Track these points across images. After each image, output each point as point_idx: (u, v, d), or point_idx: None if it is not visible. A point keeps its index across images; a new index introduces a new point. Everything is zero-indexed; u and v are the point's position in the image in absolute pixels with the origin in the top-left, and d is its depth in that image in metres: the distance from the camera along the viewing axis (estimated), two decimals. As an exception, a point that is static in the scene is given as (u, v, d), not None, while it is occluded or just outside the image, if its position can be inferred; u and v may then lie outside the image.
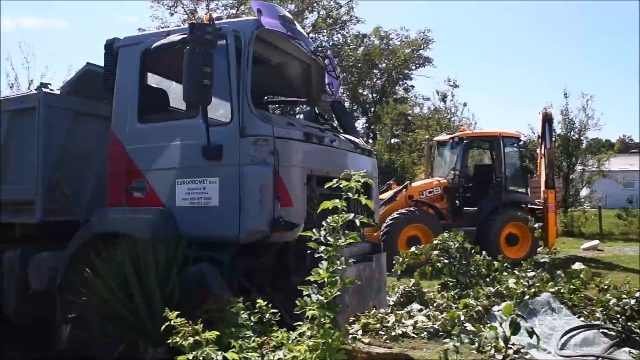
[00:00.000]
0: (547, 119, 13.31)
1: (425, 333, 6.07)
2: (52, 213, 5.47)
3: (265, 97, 6.45)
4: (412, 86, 34.94)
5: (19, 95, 6.31)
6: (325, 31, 33.36)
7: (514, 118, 59.29)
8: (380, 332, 6.11)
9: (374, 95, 34.63)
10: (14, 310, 5.54)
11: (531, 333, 2.95)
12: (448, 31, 54.40)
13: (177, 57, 4.43)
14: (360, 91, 34.43)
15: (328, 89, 6.10)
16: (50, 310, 5.10)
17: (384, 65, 33.46)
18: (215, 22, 4.50)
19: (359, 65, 32.73)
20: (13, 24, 48.46)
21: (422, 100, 33.39)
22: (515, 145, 13.49)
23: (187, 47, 4.22)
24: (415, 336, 6.06)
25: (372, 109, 33.67)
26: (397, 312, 6.63)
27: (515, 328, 2.89)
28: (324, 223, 2.80)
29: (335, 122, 6.69)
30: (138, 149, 4.94)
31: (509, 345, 3.12)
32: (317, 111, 6.27)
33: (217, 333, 2.66)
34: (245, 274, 4.48)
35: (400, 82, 34.85)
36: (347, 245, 4.88)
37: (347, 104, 34.12)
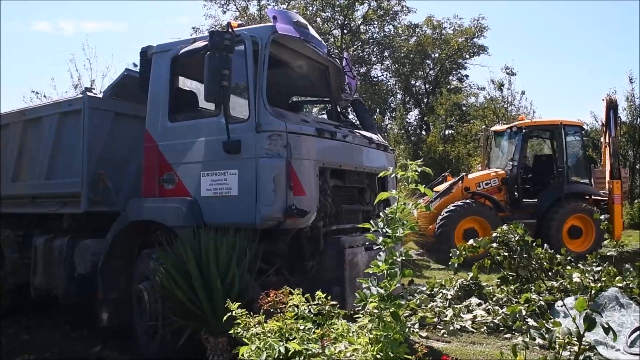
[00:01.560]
0: (612, 106, 12.70)
1: (484, 328, 5.99)
2: (95, 204, 6.01)
3: (291, 99, 6.89)
4: (467, 76, 34.02)
5: (66, 99, 6.95)
6: (376, 23, 33.04)
7: (576, 105, 56.82)
8: (438, 327, 6.09)
9: (427, 86, 34.03)
10: (62, 292, 6.16)
11: (607, 329, 2.80)
12: (503, 17, 52.66)
13: (202, 62, 4.78)
14: (413, 82, 33.91)
15: (347, 89, 6.49)
16: (93, 292, 5.68)
17: (436, 55, 32.74)
18: (236, 29, 4.97)
19: (411, 56, 32.21)
20: (74, 27, 50.59)
21: (477, 90, 32.58)
22: (577, 134, 12.93)
23: (207, 52, 4.65)
24: (475, 331, 5.99)
25: (425, 100, 33.13)
26: (455, 306, 6.56)
27: (590, 324, 2.74)
28: (381, 214, 2.77)
29: (356, 119, 7.04)
30: (168, 145, 5.42)
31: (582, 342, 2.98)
32: (338, 109, 6.65)
33: (279, 324, 2.69)
34: (264, 257, 4.78)
35: (454, 72, 34.00)
36: (362, 234, 5.46)
37: (399, 96, 33.76)
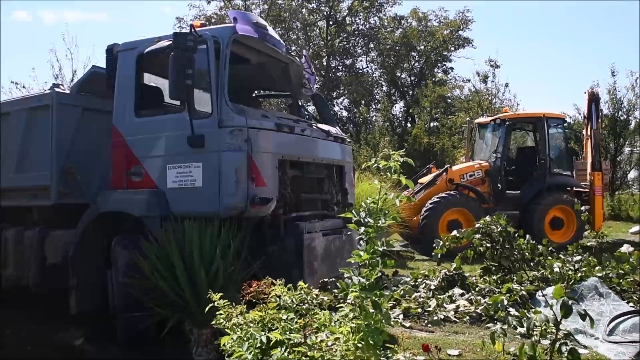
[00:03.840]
0: (594, 99, 12.85)
1: (467, 318, 6.05)
2: (65, 196, 6.22)
3: (255, 93, 7.18)
4: (452, 68, 34.09)
5: (35, 95, 7.17)
6: (361, 14, 32.96)
7: (559, 98, 57.36)
8: (422, 317, 6.14)
9: (412, 78, 34.04)
10: (33, 281, 6.36)
11: (584, 316, 2.85)
12: (488, 10, 52.88)
13: (166, 60, 5.04)
14: (398, 74, 33.93)
15: (307, 84, 6.88)
16: (64, 281, 5.90)
17: (422, 47, 32.80)
18: (198, 28, 5.23)
19: (397, 48, 32.22)
20: (55, 17, 49.76)
21: (462, 83, 32.72)
22: (560, 126, 13.06)
23: (172, 53, 4.90)
24: (457, 320, 6.05)
25: (411, 92, 33.19)
26: (439, 296, 6.62)
27: (566, 311, 2.80)
28: (363, 204, 2.80)
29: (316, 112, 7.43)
30: (135, 140, 5.69)
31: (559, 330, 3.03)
32: (299, 103, 7.02)
33: (261, 314, 2.69)
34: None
35: (439, 65, 34.08)
36: (321, 220, 5.94)
37: (384, 88, 33.75)
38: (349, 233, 6.12)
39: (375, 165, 2.73)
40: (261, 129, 5.27)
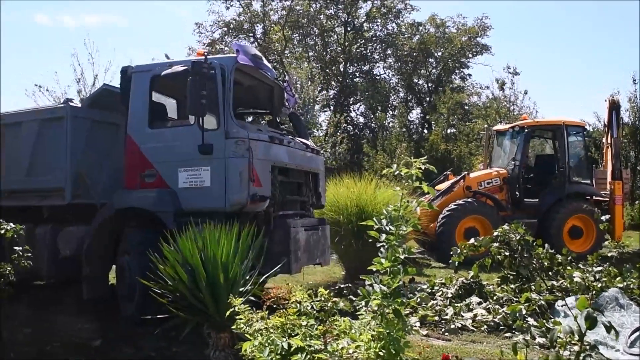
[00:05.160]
0: (614, 107, 12.69)
1: (485, 327, 6.00)
2: (76, 197, 7.09)
3: (239, 109, 8.08)
4: (469, 75, 34.00)
5: (49, 107, 8.13)
6: (379, 20, 32.98)
7: (579, 106, 56.67)
8: (439, 325, 6.10)
9: (429, 84, 33.97)
10: (46, 273, 7.14)
11: (609, 328, 2.80)
12: (507, 17, 52.59)
13: (177, 82, 6.33)
14: (416, 81, 33.86)
15: (287, 104, 7.98)
16: (75, 272, 6.77)
17: (439, 53, 32.72)
18: (208, 57, 6.24)
19: (414, 54, 32.17)
20: (76, 21, 50.58)
21: (479, 89, 32.52)
22: (579, 134, 12.92)
23: (190, 77, 5.91)
24: (475, 329, 6.00)
25: (428, 99, 33.09)
26: (456, 304, 6.57)
27: (591, 323, 2.75)
28: (384, 211, 2.80)
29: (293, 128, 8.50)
30: (149, 147, 6.60)
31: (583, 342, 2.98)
32: (277, 120, 8.21)
33: (282, 320, 2.70)
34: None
35: (457, 71, 33.97)
36: (301, 218, 7.20)
37: (401, 94, 33.67)
38: (323, 229, 7.50)
39: (397, 172, 2.74)
40: (259, 140, 6.36)
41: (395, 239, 2.64)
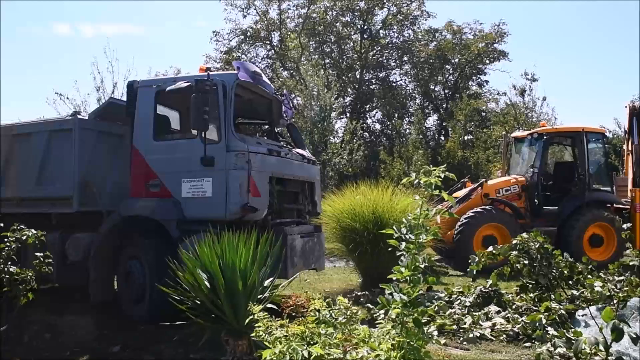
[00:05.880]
0: (635, 113, 12.47)
1: (504, 336, 5.92)
2: (83, 205, 7.42)
3: (240, 119, 8.67)
4: (487, 81, 33.81)
5: (57, 120, 8.43)
6: (395, 27, 32.99)
7: (598, 112, 55.96)
8: (457, 334, 6.03)
9: (446, 91, 33.85)
10: (56, 277, 7.26)
11: (635, 339, 2.75)
12: (524, 23, 52.24)
13: (181, 96, 6.79)
14: (432, 87, 33.76)
15: (285, 116, 8.45)
16: (82, 276, 7.08)
17: (456, 60, 32.61)
18: (210, 73, 6.70)
19: (431, 60, 32.10)
20: (94, 30, 51.40)
21: (497, 96, 32.29)
22: (599, 141, 12.72)
23: (193, 94, 6.32)
24: (494, 339, 5.93)
25: (445, 106, 32.95)
26: (474, 313, 6.50)
27: (618, 334, 2.69)
28: (404, 220, 2.79)
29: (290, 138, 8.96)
30: (154, 159, 7.00)
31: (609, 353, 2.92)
32: (276, 131, 8.67)
33: (302, 328, 2.70)
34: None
35: (474, 77, 33.81)
36: (297, 225, 7.61)
37: (418, 101, 33.56)
38: (318, 236, 7.90)
39: (416, 180, 2.72)
40: (258, 153, 6.76)
41: (415, 248, 2.62)
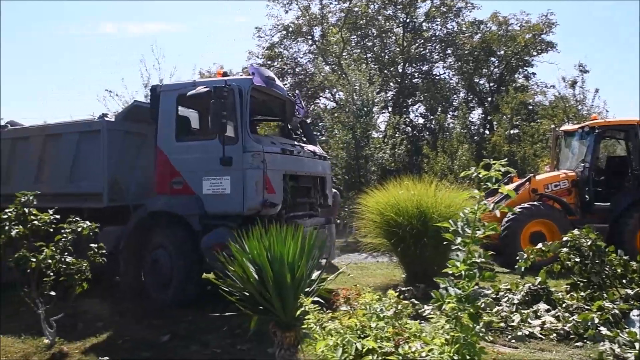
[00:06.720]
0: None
1: (554, 335, 5.77)
2: (112, 201, 8.08)
3: (256, 117, 9.26)
4: (534, 74, 32.82)
5: (87, 121, 8.90)
6: (438, 20, 32.45)
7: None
8: (505, 332, 5.92)
9: (491, 84, 33.07)
10: (90, 268, 7.67)
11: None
12: (573, 12, 50.41)
13: (200, 100, 7.23)
14: (477, 80, 33.04)
15: (297, 114, 9.02)
16: (113, 267, 7.47)
17: (502, 52, 31.79)
18: (227, 78, 7.41)
19: (475, 53, 31.42)
20: (138, 29, 52.70)
21: (545, 88, 31.32)
22: (655, 134, 12.18)
23: (212, 100, 6.88)
24: (543, 337, 5.79)
25: (490, 99, 32.23)
26: (522, 311, 6.36)
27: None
28: (461, 214, 2.75)
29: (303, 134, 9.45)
30: (177, 158, 7.59)
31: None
32: (289, 127, 9.18)
33: (356, 321, 2.70)
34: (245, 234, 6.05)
35: (520, 70, 32.88)
36: (310, 218, 8.31)
37: (462, 95, 32.95)
38: (329, 228, 8.51)
39: (475, 174, 2.67)
40: (272, 152, 7.34)
41: (472, 242, 2.58)
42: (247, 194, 6.99)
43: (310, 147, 8.69)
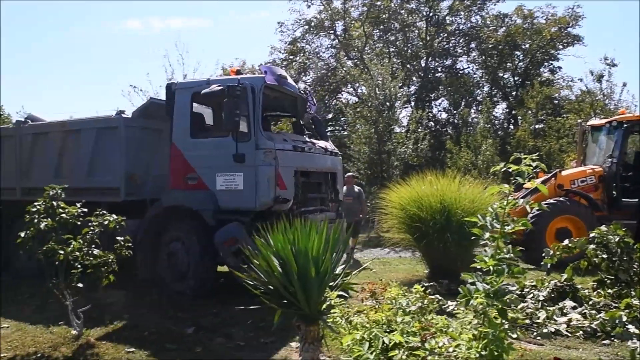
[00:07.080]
0: None
1: (580, 332, 5.68)
2: (129, 195, 8.26)
3: (269, 113, 9.47)
4: (559, 67, 32.19)
5: (105, 118, 8.99)
6: (462, 13, 32.04)
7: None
8: (530, 329, 5.85)
9: (516, 78, 32.57)
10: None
11: None
12: (600, 5, 49.27)
13: (214, 98, 7.47)
14: (501, 74, 32.57)
15: (308, 110, 9.24)
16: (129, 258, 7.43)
17: (527, 46, 31.26)
18: (240, 76, 7.57)
19: (500, 47, 30.96)
20: (162, 24, 53.17)
21: (571, 82, 30.70)
22: (685, 130, 11.88)
23: (225, 99, 7.08)
24: (570, 335, 5.71)
25: (514, 93, 31.76)
26: (548, 308, 6.28)
27: None
28: (490, 209, 2.72)
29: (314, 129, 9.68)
30: (191, 155, 7.74)
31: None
32: (301, 123, 9.41)
33: (382, 315, 2.70)
34: (257, 229, 5.82)
35: (546, 64, 32.29)
36: (320, 213, 8.32)
37: (486, 89, 32.53)
38: (340, 222, 8.43)
39: (504, 169, 2.64)
40: (284, 150, 7.48)
41: (500, 237, 2.55)
42: (260, 190, 7.13)
43: (322, 143, 8.83)
